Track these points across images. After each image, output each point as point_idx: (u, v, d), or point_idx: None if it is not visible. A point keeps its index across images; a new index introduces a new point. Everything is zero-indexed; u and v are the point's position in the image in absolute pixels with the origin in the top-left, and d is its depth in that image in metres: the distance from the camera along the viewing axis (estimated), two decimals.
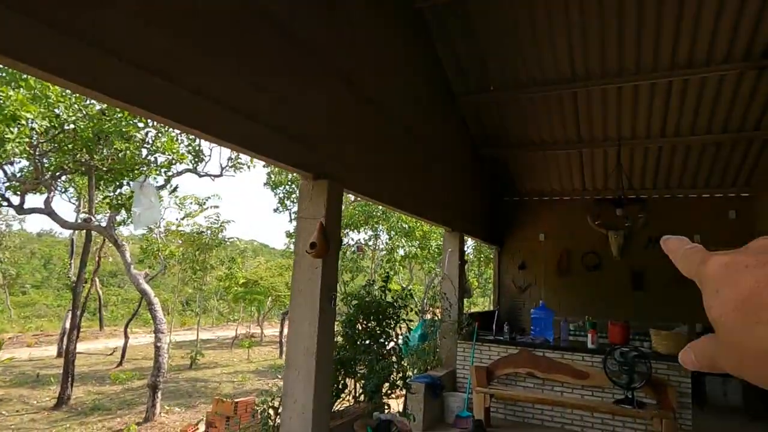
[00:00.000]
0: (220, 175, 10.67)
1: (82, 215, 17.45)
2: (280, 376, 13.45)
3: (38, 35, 2.14)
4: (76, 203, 16.96)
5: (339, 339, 4.43)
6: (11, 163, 8.34)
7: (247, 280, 18.90)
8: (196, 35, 2.94)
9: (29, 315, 29.64)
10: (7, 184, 8.49)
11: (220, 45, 3.13)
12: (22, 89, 7.52)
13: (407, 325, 5.02)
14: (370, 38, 5.10)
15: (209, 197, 17.74)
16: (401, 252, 16.30)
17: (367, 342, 4.45)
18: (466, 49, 6.81)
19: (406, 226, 14.80)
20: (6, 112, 6.73)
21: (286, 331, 21.21)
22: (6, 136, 6.83)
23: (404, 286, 16.35)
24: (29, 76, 8.12)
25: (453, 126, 7.62)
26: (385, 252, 16.12)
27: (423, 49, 6.50)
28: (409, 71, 6.06)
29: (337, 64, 4.40)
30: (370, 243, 17.50)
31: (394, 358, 4.46)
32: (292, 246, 19.26)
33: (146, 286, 9.14)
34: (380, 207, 15.03)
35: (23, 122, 6.91)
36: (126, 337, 14.98)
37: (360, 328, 4.54)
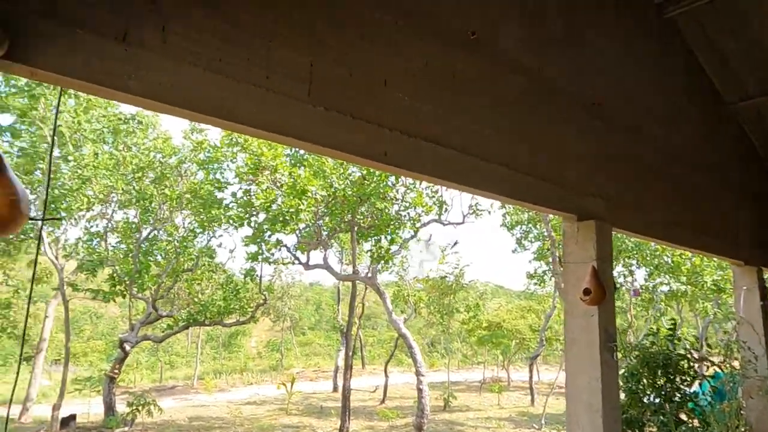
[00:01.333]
0: (462, 222, 11.13)
1: (346, 267, 20.20)
2: (536, 426, 12.80)
3: (335, 121, 2.53)
4: (340, 256, 19.78)
5: (621, 395, 3.97)
6: (299, 229, 10.23)
7: (489, 323, 18.91)
8: (457, 99, 3.15)
9: (309, 353, 35.22)
10: (297, 245, 10.42)
11: (476, 102, 3.28)
12: (304, 168, 9.31)
13: (702, 380, 4.23)
14: (618, 62, 4.74)
15: (452, 243, 18.62)
16: (664, 289, 14.21)
17: (657, 401, 3.89)
18: (736, 47, 5.77)
19: (668, 259, 12.88)
20: (298, 187, 8.38)
21: (536, 377, 20.34)
22: (300, 207, 8.47)
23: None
24: (310, 156, 9.98)
25: (728, 139, 6.44)
26: (644, 290, 14.27)
27: (678, 60, 5.75)
28: (665, 88, 5.41)
29: (586, 97, 4.18)
30: (620, 280, 15.76)
31: (696, 423, 3.77)
32: (531, 287, 18.64)
33: (405, 331, 9.91)
34: (631, 239, 13.48)
35: (309, 194, 8.49)
36: (386, 376, 16.38)
37: (645, 383, 4.01)
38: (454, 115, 3.14)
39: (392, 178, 9.55)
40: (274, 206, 9.13)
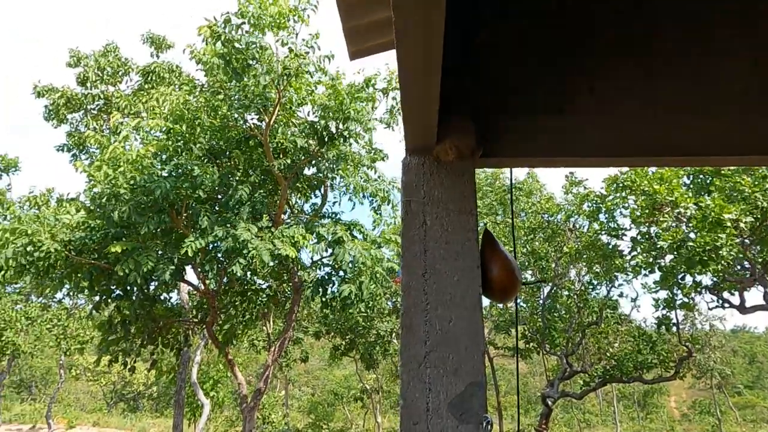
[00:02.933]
0: None
1: None
2: None
3: None
4: None
5: None
6: (724, 267, 8.71)
7: None
8: None
9: (754, 418, 28.25)
10: (722, 284, 8.86)
11: None
12: (714, 193, 8.04)
13: None
14: None
15: None
16: None
17: None
18: None
19: None
20: (711, 219, 7.27)
21: None
22: (717, 242, 7.29)
23: None
24: (718, 178, 8.63)
25: None
26: None
27: None
28: None
29: None
30: None
31: None
32: None
33: None
34: None
35: (728, 224, 7.22)
36: None
37: None
38: None
39: None
40: (686, 244, 8.15)
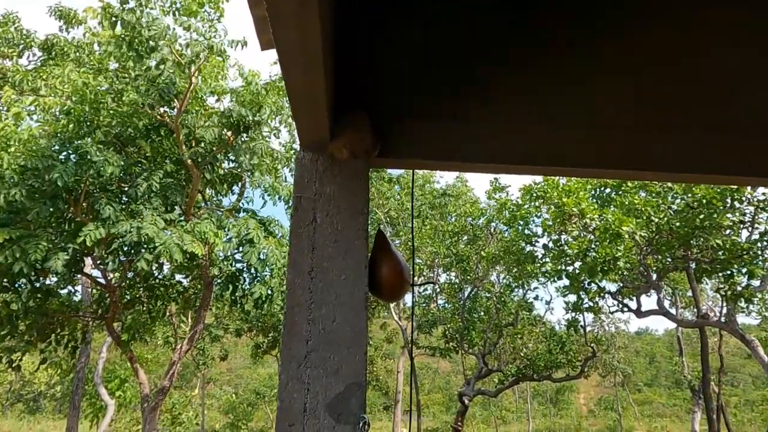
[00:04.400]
0: None
1: (682, 311, 17.30)
2: None
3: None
4: (672, 299, 17.11)
5: None
6: (622, 275, 9.35)
7: None
8: None
9: (651, 414, 30.73)
10: (623, 289, 9.53)
11: None
12: (614, 208, 8.64)
13: None
14: None
15: None
16: None
17: None
18: None
19: None
20: (610, 231, 7.79)
21: None
22: (616, 254, 7.83)
23: None
24: (619, 194, 9.25)
25: None
26: None
27: None
28: None
29: None
30: None
31: None
32: None
33: None
34: None
35: (626, 236, 7.77)
36: None
37: None
38: None
39: (729, 199, 7.90)
40: (590, 253, 8.68)
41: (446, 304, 16.92)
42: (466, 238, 15.03)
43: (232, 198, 7.89)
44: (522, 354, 15.60)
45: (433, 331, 16.78)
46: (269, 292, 6.82)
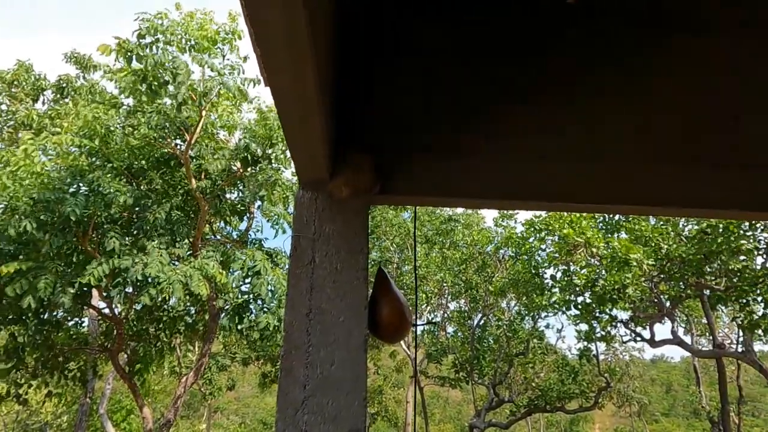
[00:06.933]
0: None
1: (698, 338, 16.89)
2: None
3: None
4: (687, 327, 16.73)
5: None
6: (633, 303, 9.19)
7: None
8: None
9: None
10: (635, 318, 9.33)
11: None
12: (623, 235, 8.55)
13: None
14: None
15: None
16: None
17: None
18: None
19: None
20: (618, 259, 7.70)
21: None
22: (625, 281, 7.71)
23: None
24: (628, 221, 9.16)
25: None
26: None
27: None
28: None
29: None
30: None
31: None
32: None
33: None
34: None
35: (635, 264, 7.66)
36: None
37: None
38: None
39: (746, 225, 7.79)
40: (599, 282, 8.56)
41: (456, 332, 16.68)
42: (475, 265, 14.90)
43: (241, 227, 7.91)
44: (534, 384, 15.25)
45: (443, 360, 16.50)
46: (276, 322, 6.76)
